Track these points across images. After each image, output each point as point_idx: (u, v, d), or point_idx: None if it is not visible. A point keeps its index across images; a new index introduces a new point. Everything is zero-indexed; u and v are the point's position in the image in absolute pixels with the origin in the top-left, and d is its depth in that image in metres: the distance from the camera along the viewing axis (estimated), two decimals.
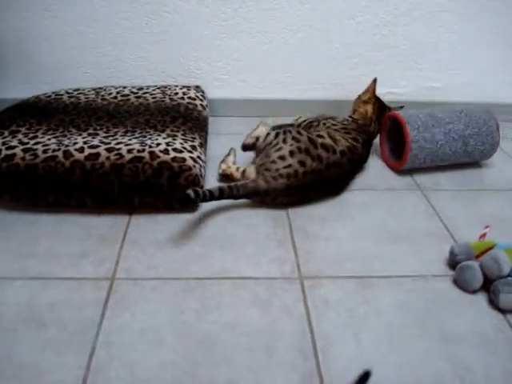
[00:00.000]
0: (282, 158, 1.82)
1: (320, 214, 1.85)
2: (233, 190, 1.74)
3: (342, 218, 1.82)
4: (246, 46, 2.45)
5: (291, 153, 1.82)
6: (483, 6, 2.43)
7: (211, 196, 1.66)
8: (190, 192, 1.60)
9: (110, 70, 2.43)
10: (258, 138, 1.97)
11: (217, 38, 2.41)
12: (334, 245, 1.69)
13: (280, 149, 1.85)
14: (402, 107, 2.21)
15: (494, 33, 2.51)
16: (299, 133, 1.90)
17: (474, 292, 1.52)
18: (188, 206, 1.79)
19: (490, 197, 2.03)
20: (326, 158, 1.84)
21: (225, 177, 1.98)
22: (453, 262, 1.61)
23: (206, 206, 1.83)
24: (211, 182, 1.96)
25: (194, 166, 1.77)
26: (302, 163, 1.81)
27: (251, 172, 1.88)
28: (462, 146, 2.07)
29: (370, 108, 2.15)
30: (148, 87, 2.38)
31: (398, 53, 2.49)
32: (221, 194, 1.68)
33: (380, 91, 2.45)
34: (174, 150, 1.81)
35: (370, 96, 2.17)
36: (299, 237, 1.72)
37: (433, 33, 2.46)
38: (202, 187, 1.82)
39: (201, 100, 2.32)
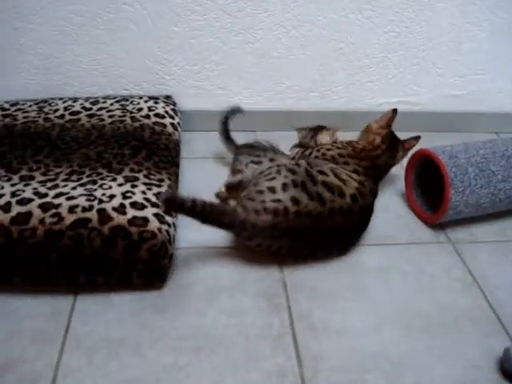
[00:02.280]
0: (272, 189, 1.42)
1: (325, 285, 1.43)
2: (206, 207, 1.36)
3: (354, 294, 1.40)
4: (227, 46, 1.98)
5: (284, 186, 1.43)
6: None
7: (181, 206, 1.35)
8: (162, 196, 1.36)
9: (58, 75, 1.94)
10: (244, 177, 1.60)
11: (191, 37, 1.94)
12: (349, 342, 1.27)
13: (272, 179, 1.46)
14: (418, 137, 1.74)
15: None
16: (297, 164, 1.52)
17: None
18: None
19: None
20: (329, 200, 1.41)
21: (220, 199, 1.62)
22: (509, 371, 1.22)
23: (175, 278, 1.41)
24: (186, 235, 1.51)
25: (160, 231, 1.32)
26: (295, 200, 1.40)
27: None
28: (506, 205, 1.67)
29: (378, 137, 1.70)
30: (105, 100, 1.89)
31: (414, 54, 2.04)
32: (192, 208, 1.34)
33: (390, 100, 2.01)
34: (133, 205, 1.35)
35: (383, 125, 1.70)
36: (302, 329, 1.29)
37: (457, 30, 2.00)
38: (170, 256, 1.35)
39: (171, 117, 1.84)
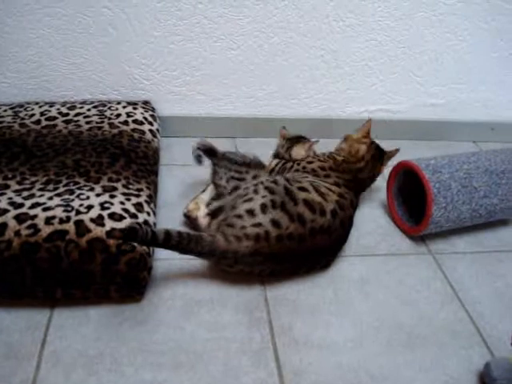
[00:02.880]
0: (250, 212, 1.37)
1: (307, 298, 1.42)
2: (183, 239, 1.29)
3: (336, 308, 1.39)
4: (207, 52, 1.95)
5: (263, 207, 1.38)
6: (499, 9, 2.00)
7: (153, 239, 1.25)
8: (127, 228, 1.22)
9: (33, 79, 1.89)
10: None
11: (170, 41, 1.91)
12: (331, 357, 1.26)
13: (250, 200, 1.40)
14: (397, 149, 1.75)
15: (509, 43, 2.06)
16: (275, 182, 1.46)
17: None
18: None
19: None
20: (310, 220, 1.38)
21: (188, 220, 1.54)
22: None
23: (153, 291, 1.38)
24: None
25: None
26: (275, 223, 1.35)
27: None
28: (485, 219, 1.67)
29: (363, 147, 1.69)
30: (82, 105, 1.85)
31: (395, 63, 2.04)
32: (166, 241, 1.27)
33: (370, 108, 2.00)
34: (112, 216, 1.31)
35: (365, 135, 1.69)
36: (284, 344, 1.27)
37: (437, 40, 2.00)
38: (149, 269, 1.32)
39: (150, 123, 1.81)
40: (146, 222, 1.38)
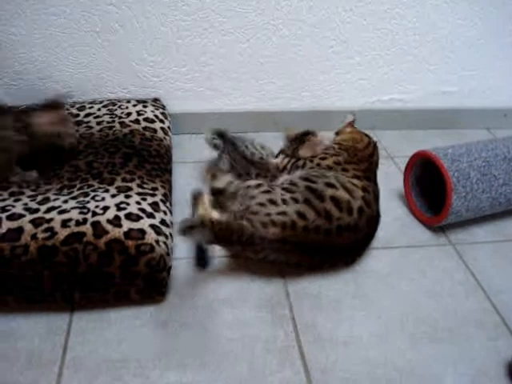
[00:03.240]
0: (272, 202, 1.36)
1: (328, 292, 1.40)
2: (213, 226, 1.30)
3: (360, 302, 1.37)
4: (216, 46, 1.92)
5: (284, 201, 1.37)
6: None
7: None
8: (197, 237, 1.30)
9: (41, 80, 1.87)
10: (230, 183, 1.50)
11: (178, 37, 1.88)
12: (357, 353, 1.24)
13: (269, 192, 1.40)
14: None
15: None
16: (292, 183, 1.45)
17: None
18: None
19: None
20: (337, 217, 1.35)
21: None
22: None
23: (174, 291, 1.36)
24: (183, 245, 1.45)
25: (158, 243, 1.26)
26: (301, 215, 1.34)
27: None
28: (505, 208, 1.65)
29: (364, 136, 1.69)
30: (92, 104, 1.82)
31: (406, 51, 2.01)
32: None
33: (382, 98, 1.98)
34: (128, 217, 1.29)
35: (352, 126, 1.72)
36: (308, 341, 1.25)
37: (448, 27, 1.96)
38: (169, 269, 1.30)
39: (161, 121, 1.78)
40: (163, 222, 1.35)
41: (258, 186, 1.42)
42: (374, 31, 1.95)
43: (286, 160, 1.66)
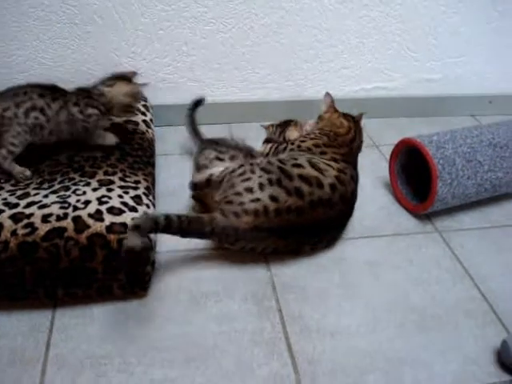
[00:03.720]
0: (249, 190, 1.35)
1: (315, 283, 1.38)
2: (183, 222, 1.28)
3: (345, 291, 1.35)
4: (198, 37, 1.90)
5: (260, 185, 1.36)
6: None
7: (156, 225, 1.24)
8: (133, 242, 1.18)
9: (21, 74, 1.84)
10: (211, 175, 1.47)
11: (159, 27, 1.85)
12: (344, 343, 1.23)
13: (248, 179, 1.38)
14: (361, 114, 1.73)
15: (503, 14, 2.05)
16: (269, 162, 1.44)
17: None
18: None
19: None
20: (308, 193, 1.35)
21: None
22: (509, 365, 1.19)
23: (158, 286, 1.34)
24: (166, 238, 1.41)
25: None
26: (273, 198, 1.34)
27: None
28: (491, 194, 1.65)
29: (343, 119, 1.66)
30: None
31: (389, 39, 1.99)
32: (167, 226, 1.25)
33: (366, 86, 1.96)
34: (110, 210, 1.27)
35: (332, 110, 1.71)
36: (295, 332, 1.24)
37: (431, 13, 1.95)
38: (152, 263, 1.28)
39: (143, 114, 1.75)
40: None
41: (241, 173, 1.41)
42: (356, 19, 1.94)
43: (269, 146, 1.67)
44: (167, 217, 1.25)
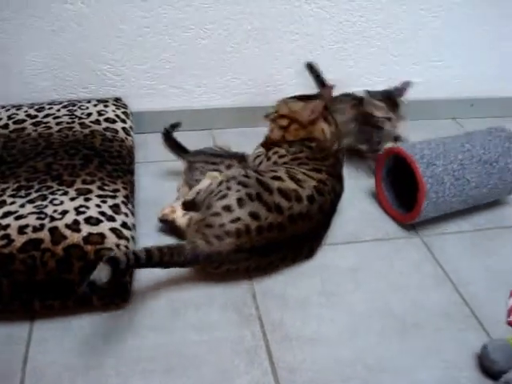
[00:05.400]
0: (227, 208, 1.32)
1: (295, 290, 1.37)
2: (164, 254, 1.23)
3: (327, 299, 1.35)
4: (177, 43, 1.89)
5: (239, 201, 1.32)
6: None
7: (136, 261, 1.17)
8: (99, 276, 1.09)
9: None
10: (199, 192, 1.45)
11: (138, 34, 1.83)
12: (325, 351, 1.22)
13: (224, 196, 1.35)
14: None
15: (483, 18, 2.08)
16: (246, 175, 1.40)
17: None
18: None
19: (504, 239, 1.61)
20: (287, 208, 1.34)
21: (165, 224, 1.48)
22: (490, 370, 1.19)
23: (137, 296, 1.32)
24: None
25: (118, 247, 1.23)
26: (254, 215, 1.31)
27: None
28: (473, 205, 1.66)
29: (324, 124, 1.60)
30: (51, 105, 1.77)
31: (370, 43, 1.99)
32: (148, 260, 1.20)
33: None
34: (88, 221, 1.26)
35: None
36: (276, 341, 1.23)
37: (412, 18, 1.95)
38: (131, 273, 1.27)
39: (123, 121, 1.74)
40: (124, 224, 1.32)
41: (217, 192, 1.38)
42: (336, 24, 1.94)
43: (257, 151, 1.65)
44: (148, 250, 1.20)
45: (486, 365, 1.19)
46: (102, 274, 1.09)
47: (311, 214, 1.38)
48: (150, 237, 1.44)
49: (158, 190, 1.63)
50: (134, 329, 1.23)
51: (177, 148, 1.66)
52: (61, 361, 1.16)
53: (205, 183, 1.46)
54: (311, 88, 1.93)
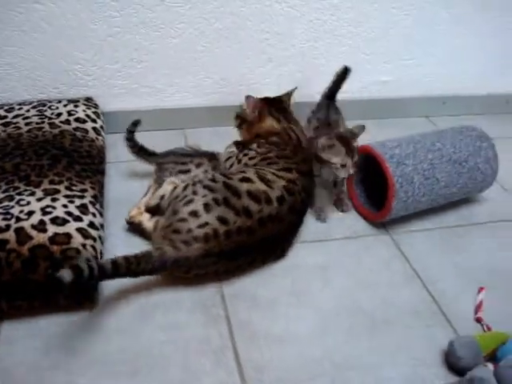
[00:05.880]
0: (194, 213, 1.31)
1: (265, 291, 1.37)
2: (131, 263, 1.22)
3: (296, 298, 1.35)
4: (147, 42, 1.88)
5: (206, 206, 1.32)
6: None
7: (101, 273, 1.16)
8: (63, 274, 1.07)
9: None
10: (162, 197, 1.44)
11: (108, 34, 1.83)
12: (292, 350, 1.22)
13: (190, 201, 1.34)
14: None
15: (454, 15, 2.09)
16: (213, 179, 1.39)
17: None
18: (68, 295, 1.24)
19: (473, 236, 1.62)
20: (257, 211, 1.34)
21: (132, 226, 1.47)
22: (456, 367, 1.20)
23: (105, 297, 1.31)
24: (114, 247, 1.39)
25: (85, 247, 1.22)
26: (222, 220, 1.30)
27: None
28: (442, 204, 1.67)
29: (270, 120, 1.62)
30: (21, 106, 1.75)
31: (342, 42, 2.00)
32: (115, 271, 1.19)
33: (319, 89, 1.95)
34: (54, 221, 1.25)
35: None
36: (243, 340, 1.23)
37: (383, 16, 1.95)
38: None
39: (93, 121, 1.73)
40: (92, 224, 1.31)
41: (183, 197, 1.37)
42: (307, 23, 1.94)
43: (229, 150, 1.64)
44: (114, 261, 1.19)
45: (452, 361, 1.20)
46: (66, 274, 1.08)
47: (281, 216, 1.38)
48: (117, 237, 1.43)
49: (129, 190, 1.62)
50: (102, 330, 1.22)
51: (142, 152, 1.64)
52: (29, 361, 1.15)
53: (167, 188, 1.45)
54: (284, 87, 1.93)
